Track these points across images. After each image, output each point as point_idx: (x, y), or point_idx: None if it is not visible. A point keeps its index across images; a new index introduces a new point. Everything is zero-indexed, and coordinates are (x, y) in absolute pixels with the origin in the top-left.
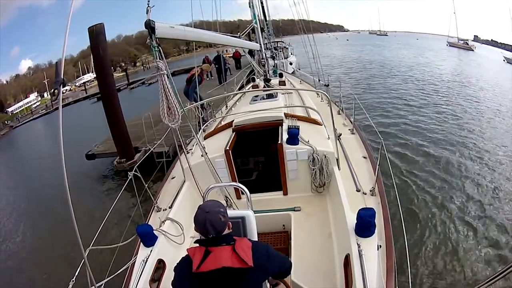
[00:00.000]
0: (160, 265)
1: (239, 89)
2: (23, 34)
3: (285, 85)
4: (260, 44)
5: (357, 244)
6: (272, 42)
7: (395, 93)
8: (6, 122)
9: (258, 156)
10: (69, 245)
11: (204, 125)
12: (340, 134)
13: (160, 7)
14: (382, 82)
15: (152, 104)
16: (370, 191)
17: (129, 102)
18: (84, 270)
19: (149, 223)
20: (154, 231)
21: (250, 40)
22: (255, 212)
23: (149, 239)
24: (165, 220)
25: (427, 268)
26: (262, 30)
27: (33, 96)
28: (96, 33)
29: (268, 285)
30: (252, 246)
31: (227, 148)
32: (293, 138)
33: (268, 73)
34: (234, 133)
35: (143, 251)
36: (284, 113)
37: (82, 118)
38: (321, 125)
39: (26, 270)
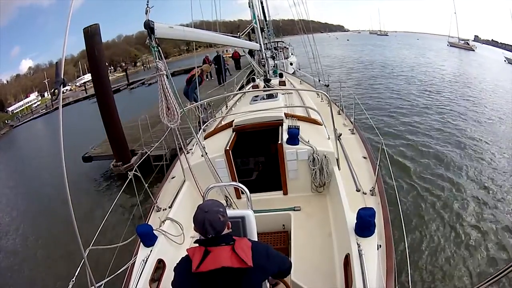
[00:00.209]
0: (160, 265)
1: (239, 89)
2: (23, 34)
3: (285, 85)
4: (260, 44)
5: (357, 244)
6: (272, 42)
7: (396, 93)
8: (6, 121)
9: (258, 156)
10: (69, 244)
11: (204, 125)
12: (340, 134)
13: (160, 7)
14: (383, 82)
15: (152, 104)
16: (370, 191)
17: (130, 102)
18: (84, 270)
19: (149, 223)
20: (154, 231)
21: (250, 40)
22: (255, 212)
23: (149, 239)
24: (165, 220)
25: (427, 268)
26: (262, 30)
27: (33, 96)
28: (91, 33)
29: (268, 285)
30: (252, 246)
31: (227, 148)
32: (293, 138)
33: (268, 73)
34: (234, 133)
35: (143, 251)
36: (284, 113)
37: (82, 118)
38: (321, 125)
39: (26, 270)
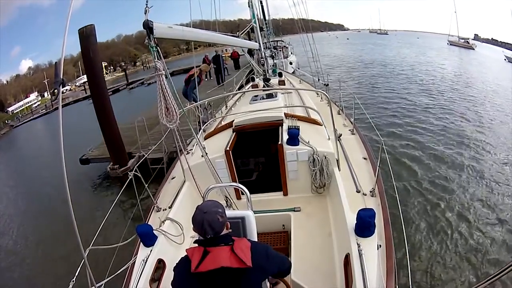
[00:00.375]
0: (160, 265)
1: (239, 88)
2: (23, 34)
3: (284, 84)
4: (259, 44)
5: (357, 244)
6: (271, 41)
7: (397, 93)
8: (6, 121)
9: (258, 157)
10: (69, 244)
11: (204, 125)
12: (340, 135)
13: (159, 7)
14: (383, 81)
15: (151, 105)
16: (370, 192)
17: (129, 102)
18: (84, 270)
19: (149, 223)
20: (154, 231)
21: (249, 39)
22: (255, 212)
23: (149, 239)
24: (165, 220)
25: (427, 268)
26: (261, 29)
27: (33, 96)
28: (86, 34)
29: (268, 284)
30: (251, 246)
31: (227, 148)
32: (293, 138)
33: (268, 72)
34: (234, 133)
35: (143, 251)
36: (284, 113)
37: (82, 118)
38: (321, 125)
39: (26, 270)
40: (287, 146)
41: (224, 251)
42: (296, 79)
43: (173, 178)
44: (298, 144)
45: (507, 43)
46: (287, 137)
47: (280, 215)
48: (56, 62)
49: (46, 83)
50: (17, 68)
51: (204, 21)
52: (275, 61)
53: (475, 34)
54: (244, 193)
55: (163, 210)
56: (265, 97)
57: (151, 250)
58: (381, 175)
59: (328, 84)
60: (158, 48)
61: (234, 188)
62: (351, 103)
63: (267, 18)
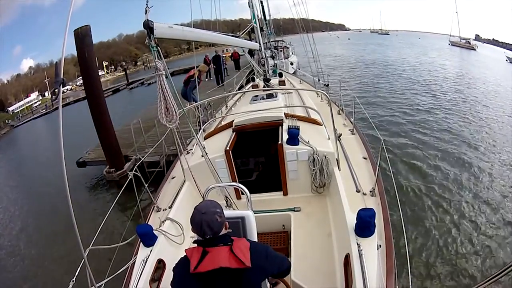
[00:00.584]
0: (160, 265)
1: (239, 89)
2: (24, 33)
3: (284, 84)
4: (260, 44)
5: (357, 244)
6: (272, 41)
7: (398, 93)
8: (7, 121)
9: (258, 157)
10: (69, 244)
11: (204, 125)
12: (340, 135)
13: (159, 7)
14: (385, 82)
15: (149, 106)
16: (370, 191)
17: (130, 103)
18: (84, 270)
19: (149, 223)
20: (154, 231)
21: (250, 39)
22: (255, 212)
23: (149, 239)
24: (165, 220)
25: (427, 268)
26: (262, 29)
27: (34, 96)
28: (82, 35)
29: (268, 284)
30: (251, 246)
31: (227, 148)
32: (293, 138)
33: (268, 72)
34: (234, 133)
35: (143, 251)
36: (284, 113)
37: (82, 118)
38: (321, 125)
39: (26, 270)
40: (287, 146)
41: (223, 251)
42: (296, 79)
43: (173, 178)
44: (298, 144)
45: (508, 43)
46: (287, 137)
47: (280, 215)
48: (56, 62)
49: (47, 82)
50: (18, 68)
51: (204, 21)
52: (275, 61)
53: (476, 35)
54: (244, 193)
55: (163, 210)
56: (265, 97)
57: (151, 250)
58: (381, 175)
59: (328, 84)
60: (158, 48)
61: (234, 188)
62: (351, 103)
63: (267, 18)
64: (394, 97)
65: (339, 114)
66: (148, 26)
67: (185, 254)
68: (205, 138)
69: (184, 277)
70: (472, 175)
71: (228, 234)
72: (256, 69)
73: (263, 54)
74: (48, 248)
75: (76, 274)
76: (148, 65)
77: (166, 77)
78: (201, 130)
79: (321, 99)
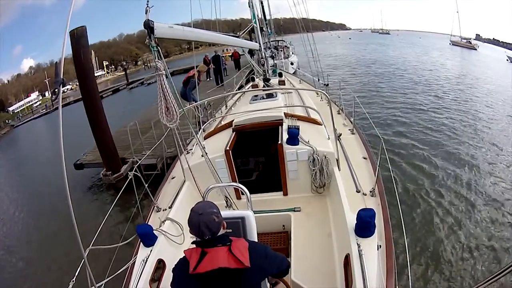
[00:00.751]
0: (160, 265)
1: (239, 88)
2: (25, 33)
3: (284, 84)
4: (260, 44)
5: (357, 244)
6: (272, 41)
7: (400, 93)
8: (7, 121)
9: (258, 156)
10: (69, 244)
11: (204, 125)
12: (340, 134)
13: (160, 7)
14: (386, 81)
15: (148, 107)
16: (370, 192)
17: (130, 103)
18: (84, 270)
19: (149, 223)
20: (154, 231)
21: (251, 39)
22: (255, 212)
23: (149, 239)
24: (165, 220)
25: (427, 268)
26: (262, 29)
27: (34, 95)
28: (77, 36)
29: (268, 284)
30: (250, 246)
31: (227, 148)
32: (293, 138)
33: (268, 72)
34: (234, 133)
35: (143, 251)
36: (284, 113)
37: (82, 118)
38: (321, 125)
39: (25, 270)
40: (287, 146)
41: (221, 251)
42: (296, 79)
43: (173, 178)
44: (298, 144)
45: (509, 43)
46: (287, 136)
47: (280, 215)
48: (56, 62)
49: (47, 82)
50: (19, 67)
51: (205, 21)
52: (275, 61)
53: (476, 34)
54: (244, 193)
55: (163, 210)
56: (265, 97)
57: (151, 250)
58: (381, 175)
59: (328, 84)
60: (159, 48)
61: (234, 188)
62: (351, 102)
63: (267, 18)
64: (394, 97)
65: (339, 114)
66: (149, 26)
67: (184, 255)
68: (205, 138)
69: (183, 278)
70: (473, 175)
71: (227, 234)
72: (256, 69)
73: (263, 54)
74: (48, 248)
75: (76, 274)
76: (149, 64)
77: (166, 77)
78: (201, 130)
79: (321, 99)
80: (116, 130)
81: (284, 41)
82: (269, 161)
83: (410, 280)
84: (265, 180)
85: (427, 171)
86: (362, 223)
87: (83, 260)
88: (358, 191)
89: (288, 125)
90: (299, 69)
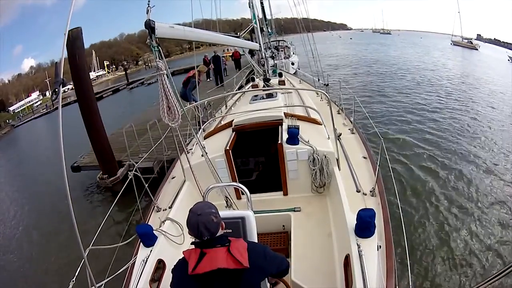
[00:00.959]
0: (160, 265)
1: (239, 88)
2: (25, 33)
3: (284, 84)
4: (260, 44)
5: (357, 245)
6: (273, 41)
7: (402, 93)
8: (7, 121)
9: (258, 156)
10: (68, 244)
11: (204, 125)
12: (340, 134)
13: (161, 7)
14: (387, 81)
15: (146, 108)
16: (370, 191)
17: (130, 103)
18: (84, 270)
19: (149, 223)
20: (154, 231)
21: (251, 39)
22: (255, 212)
23: (149, 239)
24: (165, 220)
25: (427, 268)
26: (262, 30)
27: (34, 95)
28: (72, 38)
29: (268, 285)
30: (249, 246)
31: (227, 148)
32: (293, 138)
33: (268, 72)
34: (234, 132)
35: (143, 251)
36: (284, 113)
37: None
38: (321, 124)
39: (25, 270)
40: (287, 146)
41: (220, 252)
42: (296, 79)
43: (173, 177)
44: (298, 144)
45: (510, 43)
46: (287, 136)
47: (280, 215)
48: (56, 62)
49: (48, 82)
50: (19, 67)
51: (205, 21)
52: (275, 61)
53: (477, 34)
54: (244, 193)
55: (163, 210)
56: (265, 97)
57: (151, 250)
58: (381, 175)
59: (328, 84)
60: (159, 47)
61: (234, 188)
62: (351, 102)
63: (268, 18)
64: (395, 97)
65: (339, 113)
66: (150, 26)
67: (183, 255)
68: (205, 138)
69: (182, 279)
70: (474, 175)
71: (226, 235)
72: (256, 69)
73: (263, 54)
74: (48, 247)
75: (76, 274)
76: (149, 64)
77: (167, 77)
78: (201, 130)
79: (321, 98)
80: (113, 132)
81: (285, 41)
82: (269, 161)
83: (410, 280)
84: (265, 180)
85: (428, 171)
86: (362, 223)
87: (83, 260)
88: (358, 191)
89: (288, 125)
90: (299, 69)
